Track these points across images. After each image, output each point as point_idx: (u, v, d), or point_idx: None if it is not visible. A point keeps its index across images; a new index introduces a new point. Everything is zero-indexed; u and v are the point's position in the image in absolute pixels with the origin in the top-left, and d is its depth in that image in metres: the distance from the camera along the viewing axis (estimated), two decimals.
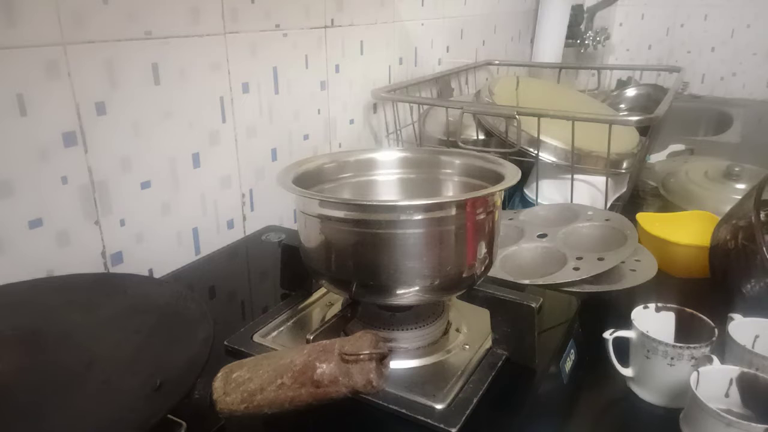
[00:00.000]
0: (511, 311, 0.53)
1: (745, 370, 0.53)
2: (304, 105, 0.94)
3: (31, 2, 0.56)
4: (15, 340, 0.47)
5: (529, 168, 0.97)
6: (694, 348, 0.55)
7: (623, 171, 0.96)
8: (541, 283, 0.69)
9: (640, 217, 0.87)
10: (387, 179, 0.68)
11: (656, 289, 0.74)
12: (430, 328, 0.57)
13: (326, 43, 0.95)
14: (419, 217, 0.49)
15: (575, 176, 0.91)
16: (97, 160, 0.65)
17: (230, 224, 0.85)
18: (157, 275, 0.73)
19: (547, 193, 0.96)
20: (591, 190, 0.93)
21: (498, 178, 0.57)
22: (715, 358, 0.55)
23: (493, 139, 0.98)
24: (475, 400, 0.48)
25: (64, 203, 0.63)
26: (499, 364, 0.53)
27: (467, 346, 0.56)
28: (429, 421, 0.46)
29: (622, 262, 0.73)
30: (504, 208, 0.99)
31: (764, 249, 0.66)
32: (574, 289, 0.69)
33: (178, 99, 0.73)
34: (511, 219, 0.87)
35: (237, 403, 0.43)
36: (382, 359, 0.44)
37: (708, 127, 1.92)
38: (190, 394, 0.42)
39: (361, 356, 0.42)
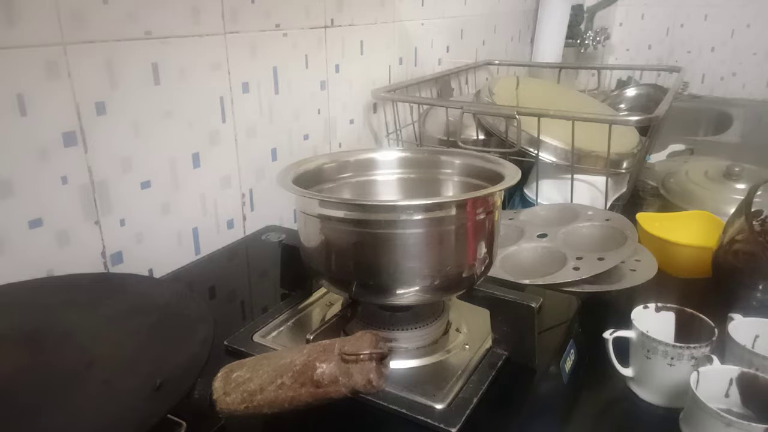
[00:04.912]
0: (511, 311, 0.53)
1: (745, 370, 0.53)
2: (304, 105, 0.94)
3: (31, 2, 0.56)
4: (15, 340, 0.47)
5: (529, 168, 0.97)
6: (694, 348, 0.55)
7: (623, 171, 0.96)
8: (541, 283, 0.69)
9: (640, 217, 0.87)
10: (387, 179, 0.68)
11: (656, 289, 0.73)
12: (430, 328, 0.57)
13: (326, 43, 0.95)
14: (419, 217, 0.49)
15: (575, 176, 0.91)
16: (97, 160, 0.65)
17: (230, 224, 0.85)
18: (157, 275, 0.73)
19: (547, 193, 0.96)
20: (591, 190, 0.93)
21: (498, 178, 0.57)
22: (715, 358, 0.55)
23: (493, 139, 0.98)
24: (475, 400, 0.48)
25: (64, 203, 0.63)
26: (499, 364, 0.53)
27: (467, 346, 0.56)
28: (429, 421, 0.46)
29: (622, 262, 0.73)
30: (504, 208, 0.99)
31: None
32: (574, 289, 0.69)
33: (178, 99, 0.73)
34: (511, 219, 0.87)
35: (237, 403, 0.43)
36: (382, 359, 0.44)
37: (708, 127, 1.92)
38: (190, 394, 0.42)
39: (361, 356, 0.42)
